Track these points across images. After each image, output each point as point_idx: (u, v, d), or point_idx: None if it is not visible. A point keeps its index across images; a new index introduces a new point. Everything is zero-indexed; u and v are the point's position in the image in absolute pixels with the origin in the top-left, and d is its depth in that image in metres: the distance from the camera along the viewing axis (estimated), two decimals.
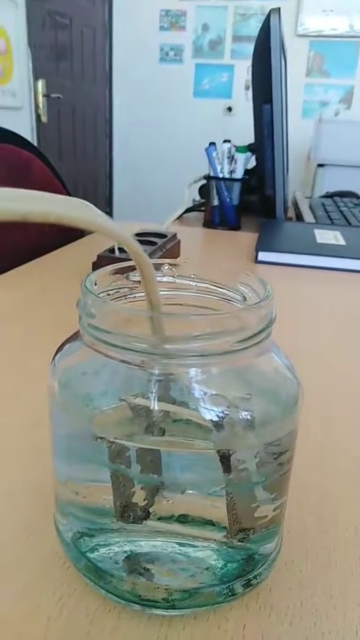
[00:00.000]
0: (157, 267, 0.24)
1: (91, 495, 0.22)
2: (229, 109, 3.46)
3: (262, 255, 0.79)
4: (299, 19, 3.15)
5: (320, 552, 0.25)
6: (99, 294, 0.21)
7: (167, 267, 0.24)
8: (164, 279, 0.24)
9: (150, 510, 0.20)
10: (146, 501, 0.20)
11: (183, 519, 0.20)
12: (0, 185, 0.13)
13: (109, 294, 0.23)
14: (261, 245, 0.80)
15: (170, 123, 3.59)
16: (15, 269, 0.68)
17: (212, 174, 1.01)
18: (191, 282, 0.24)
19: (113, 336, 0.19)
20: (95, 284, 0.22)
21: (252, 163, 1.07)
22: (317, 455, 0.32)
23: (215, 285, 0.24)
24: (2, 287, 0.61)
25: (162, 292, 0.20)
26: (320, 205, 1.24)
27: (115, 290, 0.23)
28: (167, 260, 0.24)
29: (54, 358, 0.22)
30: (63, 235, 0.88)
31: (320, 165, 2.82)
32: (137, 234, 0.72)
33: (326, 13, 3.13)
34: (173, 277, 0.24)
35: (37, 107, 2.79)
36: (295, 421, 0.21)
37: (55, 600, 0.22)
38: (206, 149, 1.00)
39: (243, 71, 3.34)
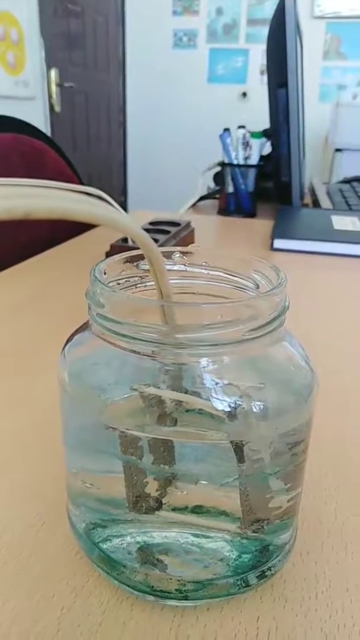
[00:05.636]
0: (168, 255, 0.24)
1: (103, 486, 0.22)
2: (244, 94, 3.41)
3: (278, 243, 0.78)
4: (315, 1, 3.08)
5: (336, 544, 0.25)
6: (108, 283, 0.20)
7: (178, 255, 0.24)
8: (175, 267, 0.24)
9: (163, 501, 0.20)
10: (159, 492, 0.20)
11: (197, 510, 0.20)
12: (15, 176, 0.12)
13: (118, 283, 0.23)
14: (277, 233, 0.79)
15: (184, 109, 3.55)
16: (29, 260, 0.68)
17: (226, 160, 1.00)
18: (203, 270, 0.24)
19: (123, 326, 0.18)
20: (105, 273, 0.21)
21: (268, 149, 1.05)
22: (333, 445, 0.32)
23: (227, 273, 0.23)
24: (17, 278, 0.61)
25: (173, 281, 0.20)
26: (338, 191, 1.22)
27: (125, 279, 0.23)
28: (178, 248, 0.24)
29: (63, 349, 0.22)
30: (78, 224, 0.88)
31: (337, 150, 2.77)
32: (151, 223, 0.72)
33: None
34: (184, 265, 0.24)
35: (50, 96, 2.78)
36: (309, 411, 0.21)
37: (69, 591, 0.22)
38: (220, 135, 0.98)
39: (258, 55, 3.28)
